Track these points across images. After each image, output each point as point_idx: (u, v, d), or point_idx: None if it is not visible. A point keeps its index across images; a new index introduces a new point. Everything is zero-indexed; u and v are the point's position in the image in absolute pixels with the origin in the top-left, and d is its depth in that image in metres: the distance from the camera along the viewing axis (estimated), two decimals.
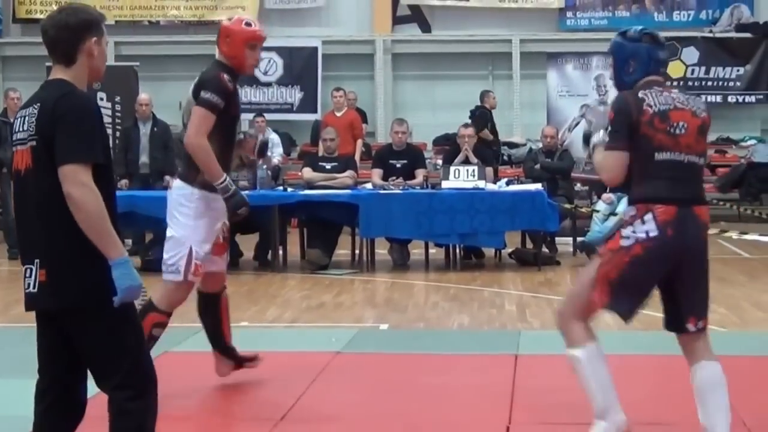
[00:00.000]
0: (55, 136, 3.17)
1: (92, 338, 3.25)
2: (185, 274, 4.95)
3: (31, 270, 3.24)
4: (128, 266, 3.21)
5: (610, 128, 4.07)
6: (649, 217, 3.98)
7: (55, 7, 3.77)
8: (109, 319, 3.23)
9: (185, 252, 4.94)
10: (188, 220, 4.98)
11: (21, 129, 3.29)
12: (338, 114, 13.62)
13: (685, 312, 4.10)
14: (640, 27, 4.27)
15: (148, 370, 3.33)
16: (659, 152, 4.00)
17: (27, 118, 3.27)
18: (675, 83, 15.92)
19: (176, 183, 5.10)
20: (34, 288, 3.24)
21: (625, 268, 4.01)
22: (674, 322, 4.15)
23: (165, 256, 5.02)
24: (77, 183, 3.14)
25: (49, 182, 3.19)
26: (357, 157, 12.56)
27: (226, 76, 4.96)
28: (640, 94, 4.05)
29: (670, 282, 4.08)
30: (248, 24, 5.10)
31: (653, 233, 3.96)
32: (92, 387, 3.37)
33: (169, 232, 5.05)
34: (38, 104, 3.24)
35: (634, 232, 3.99)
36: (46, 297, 3.23)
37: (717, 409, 4.08)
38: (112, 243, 3.20)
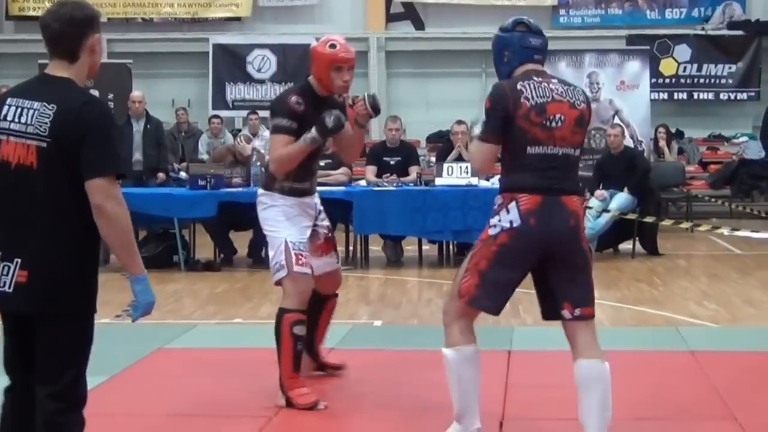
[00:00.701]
0: (82, 145, 3.09)
1: (53, 342, 3.18)
2: (289, 266, 4.92)
3: (9, 268, 3.15)
4: (148, 282, 3.23)
5: (485, 118, 4.09)
6: (512, 206, 3.99)
7: (48, 4, 3.77)
8: (74, 330, 3.20)
9: (282, 246, 4.94)
10: (276, 218, 5.00)
11: (18, 121, 3.16)
12: None
13: (560, 298, 4.05)
14: (516, 18, 4.32)
15: (84, 388, 3.27)
16: (532, 146, 4.01)
17: (31, 112, 3.14)
18: (668, 81, 15.99)
19: (259, 191, 5.13)
20: (8, 288, 3.15)
21: (493, 257, 4.02)
22: (550, 309, 4.12)
23: (271, 262, 5.01)
24: (111, 197, 3.11)
25: (54, 186, 3.12)
26: None
27: (294, 99, 4.93)
28: (518, 86, 4.04)
29: (544, 270, 4.08)
30: (333, 45, 4.99)
31: (516, 223, 3.98)
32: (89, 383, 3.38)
33: (267, 239, 5.07)
34: (53, 104, 3.13)
35: (500, 221, 4.02)
36: (22, 300, 3.15)
37: (590, 408, 4.02)
38: (136, 258, 3.20)
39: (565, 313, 4.05)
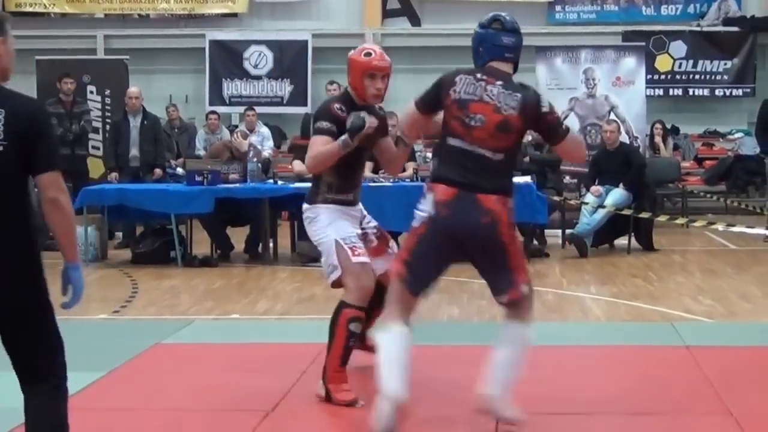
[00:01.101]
0: (37, 145, 3.24)
1: (39, 335, 3.32)
2: (343, 262, 4.92)
3: None
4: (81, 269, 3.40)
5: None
6: (430, 196, 4.15)
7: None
8: (50, 319, 3.34)
9: (333, 247, 4.95)
10: (322, 226, 5.02)
11: None
12: None
13: (490, 287, 4.28)
14: (494, 14, 4.40)
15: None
16: (451, 137, 4.17)
17: None
18: (663, 77, 16.01)
19: (304, 206, 5.15)
20: None
21: (413, 247, 4.20)
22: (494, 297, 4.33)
23: (324, 267, 5.03)
24: (61, 189, 3.27)
25: (9, 186, 3.24)
26: None
27: (336, 106, 4.99)
28: (457, 78, 4.18)
29: (472, 261, 4.25)
30: (368, 54, 5.03)
31: (431, 213, 4.12)
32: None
33: (321, 250, 5.07)
34: (0, 109, 3.24)
35: (421, 210, 4.18)
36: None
37: (494, 363, 4.18)
38: (76, 245, 3.37)
39: (498, 299, 4.27)
